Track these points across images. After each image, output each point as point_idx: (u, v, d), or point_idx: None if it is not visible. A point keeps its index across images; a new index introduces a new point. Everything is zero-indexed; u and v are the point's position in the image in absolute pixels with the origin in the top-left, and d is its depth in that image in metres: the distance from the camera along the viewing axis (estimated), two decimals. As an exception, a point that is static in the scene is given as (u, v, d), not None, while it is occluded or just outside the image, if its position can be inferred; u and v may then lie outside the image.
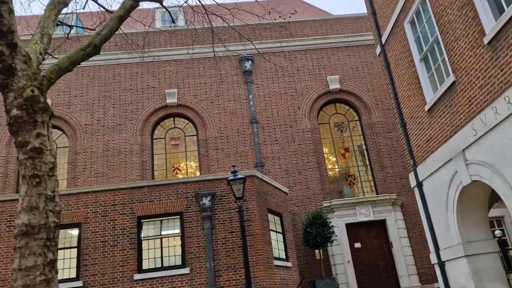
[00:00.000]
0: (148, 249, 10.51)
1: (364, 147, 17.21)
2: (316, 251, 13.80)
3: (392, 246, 14.88)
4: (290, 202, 15.22)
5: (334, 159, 17.23)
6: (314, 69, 17.82)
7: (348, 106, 17.82)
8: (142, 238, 10.57)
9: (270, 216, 11.56)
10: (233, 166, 9.67)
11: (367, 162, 16.97)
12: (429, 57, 9.39)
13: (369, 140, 17.03)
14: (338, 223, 15.00)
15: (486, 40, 6.91)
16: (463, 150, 7.95)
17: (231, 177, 9.31)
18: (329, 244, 14.29)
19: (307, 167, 16.13)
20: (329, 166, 17.09)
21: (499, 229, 14.63)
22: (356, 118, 17.71)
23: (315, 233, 13.39)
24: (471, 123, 7.57)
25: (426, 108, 9.33)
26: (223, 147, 16.25)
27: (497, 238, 12.88)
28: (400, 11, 10.30)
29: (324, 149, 17.02)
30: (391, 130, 16.80)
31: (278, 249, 11.52)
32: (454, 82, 8.12)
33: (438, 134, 9.05)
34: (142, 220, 10.69)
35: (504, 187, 6.81)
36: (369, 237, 15.32)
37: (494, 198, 8.96)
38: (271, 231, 11.26)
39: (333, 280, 13.11)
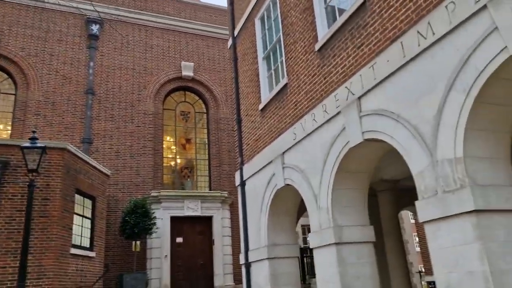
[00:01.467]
0: None
1: (206, 141, 16.80)
2: (134, 242, 12.72)
3: (213, 244, 14.68)
4: (114, 187, 13.84)
5: (174, 148, 16.42)
6: (169, 51, 16.76)
7: (198, 97, 17.24)
8: None
9: (79, 198, 10.08)
10: (33, 131, 7.99)
11: (207, 157, 16.60)
12: (271, 56, 9.28)
13: (213, 135, 16.69)
14: (164, 215, 14.18)
15: (317, 46, 6.90)
16: (283, 153, 7.91)
17: (27, 144, 7.69)
18: (148, 236, 13.34)
19: (141, 151, 14.94)
20: (169, 156, 16.21)
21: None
22: (204, 110, 17.23)
23: (133, 223, 12.28)
24: (293, 127, 7.54)
25: (260, 107, 9.19)
26: (46, 114, 13.94)
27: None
28: (254, 5, 10.04)
29: (164, 137, 16.06)
30: (235, 128, 16.73)
31: (82, 236, 10.10)
32: (286, 84, 8.05)
33: (266, 135, 8.95)
34: None
35: (308, 193, 6.85)
36: (194, 233, 14.87)
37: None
38: (75, 215, 9.80)
39: (144, 275, 12.21)
